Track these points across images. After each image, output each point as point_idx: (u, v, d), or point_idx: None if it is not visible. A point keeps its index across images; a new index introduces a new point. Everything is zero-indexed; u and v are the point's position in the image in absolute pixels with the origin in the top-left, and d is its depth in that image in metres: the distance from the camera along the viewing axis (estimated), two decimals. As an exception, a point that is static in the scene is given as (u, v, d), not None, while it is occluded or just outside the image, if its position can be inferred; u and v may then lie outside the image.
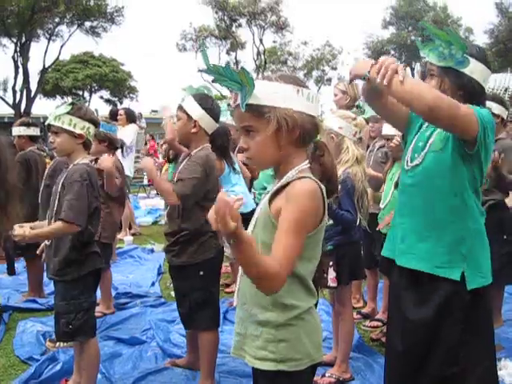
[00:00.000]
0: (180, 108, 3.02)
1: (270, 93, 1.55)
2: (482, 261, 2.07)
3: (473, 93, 2.09)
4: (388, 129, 3.67)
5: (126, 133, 6.97)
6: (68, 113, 2.83)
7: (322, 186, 1.62)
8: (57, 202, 2.83)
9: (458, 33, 2.02)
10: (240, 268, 1.75)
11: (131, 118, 7.41)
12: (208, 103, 3.00)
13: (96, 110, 4.83)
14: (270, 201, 1.62)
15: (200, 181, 2.90)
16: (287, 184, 1.59)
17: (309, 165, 1.64)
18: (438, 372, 2.06)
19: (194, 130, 2.97)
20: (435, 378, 2.06)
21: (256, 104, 1.54)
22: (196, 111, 2.96)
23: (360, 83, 4.64)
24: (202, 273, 2.98)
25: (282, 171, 1.64)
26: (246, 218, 1.60)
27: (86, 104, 31.75)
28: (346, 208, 3.11)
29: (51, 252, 2.85)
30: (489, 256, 2.13)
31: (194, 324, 3.14)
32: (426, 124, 2.17)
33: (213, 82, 1.57)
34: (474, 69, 2.07)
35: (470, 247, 2.03)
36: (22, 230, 2.64)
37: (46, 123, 2.87)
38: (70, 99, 34.60)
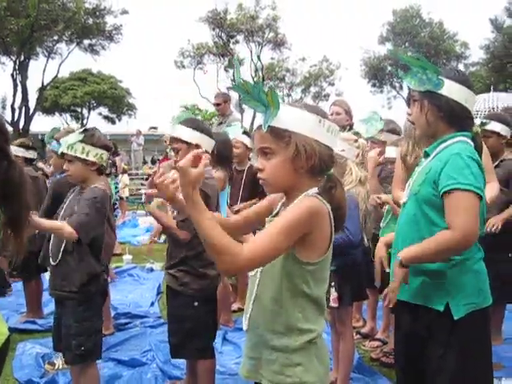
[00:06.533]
0: (175, 140, 2.96)
1: (293, 118, 1.58)
2: (470, 289, 2.05)
3: (453, 114, 2.11)
4: (391, 151, 3.68)
5: None
6: (80, 141, 2.83)
7: (329, 208, 1.63)
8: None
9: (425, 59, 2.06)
10: (248, 290, 1.75)
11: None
12: (200, 125, 3.00)
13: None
14: None
15: None
16: None
17: (317, 191, 1.65)
18: None
19: None
20: None
21: (277, 127, 1.57)
22: (194, 137, 2.93)
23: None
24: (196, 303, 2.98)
25: (291, 197, 1.66)
26: None
27: (87, 121, 31.65)
28: (350, 228, 2.98)
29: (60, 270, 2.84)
30: (482, 280, 2.11)
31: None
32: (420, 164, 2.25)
33: (240, 100, 1.59)
34: (452, 89, 2.09)
35: (453, 281, 2.03)
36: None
37: (59, 152, 2.88)
38: (68, 116, 34.96)
